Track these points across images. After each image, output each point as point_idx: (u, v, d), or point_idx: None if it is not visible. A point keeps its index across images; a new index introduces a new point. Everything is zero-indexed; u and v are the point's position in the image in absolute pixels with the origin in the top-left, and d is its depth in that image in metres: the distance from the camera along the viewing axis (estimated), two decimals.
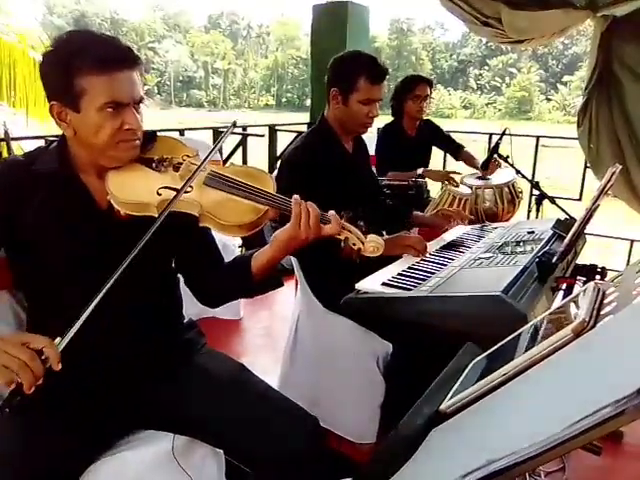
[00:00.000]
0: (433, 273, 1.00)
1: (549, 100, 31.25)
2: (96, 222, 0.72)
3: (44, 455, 0.63)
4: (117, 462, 0.71)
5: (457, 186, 2.00)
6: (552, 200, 1.62)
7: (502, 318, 0.79)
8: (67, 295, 0.72)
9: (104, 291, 0.58)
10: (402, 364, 1.08)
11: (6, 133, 2.03)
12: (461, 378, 0.53)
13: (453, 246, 1.24)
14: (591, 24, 1.96)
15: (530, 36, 2.05)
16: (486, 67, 35.18)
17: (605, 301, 0.48)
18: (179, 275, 0.86)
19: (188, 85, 38.93)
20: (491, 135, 2.56)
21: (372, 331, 1.12)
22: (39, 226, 0.69)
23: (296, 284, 1.40)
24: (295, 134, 2.68)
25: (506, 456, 0.31)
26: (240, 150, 2.81)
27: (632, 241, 2.43)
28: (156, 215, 0.67)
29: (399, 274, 1.02)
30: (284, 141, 2.68)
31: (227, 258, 0.85)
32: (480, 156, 2.07)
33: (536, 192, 1.69)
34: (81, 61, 0.63)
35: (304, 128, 2.89)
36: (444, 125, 2.30)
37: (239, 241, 2.38)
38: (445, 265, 1.06)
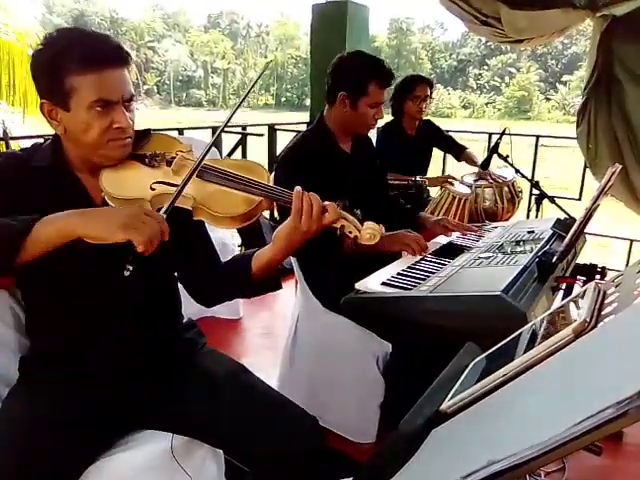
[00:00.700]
0: (433, 273, 1.00)
1: (548, 100, 31.28)
2: None
3: (46, 454, 0.63)
4: (117, 462, 0.71)
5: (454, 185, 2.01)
6: (552, 200, 1.62)
7: (502, 318, 0.79)
8: (66, 291, 0.71)
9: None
10: (402, 364, 1.08)
11: (5, 132, 2.03)
12: (461, 378, 0.53)
13: (453, 246, 1.24)
14: (590, 24, 1.96)
15: (529, 36, 2.05)
16: (485, 67, 35.20)
17: (606, 301, 0.48)
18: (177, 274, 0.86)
19: (187, 84, 38.90)
20: (491, 135, 2.56)
21: (372, 331, 1.12)
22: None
23: (296, 284, 1.40)
24: (294, 133, 2.67)
25: (507, 457, 0.31)
26: (240, 149, 2.80)
27: (632, 241, 2.43)
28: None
29: (399, 274, 1.02)
30: (283, 141, 2.67)
31: (227, 258, 0.84)
32: (480, 156, 2.07)
33: (536, 192, 1.69)
34: (69, 60, 0.63)
35: (304, 127, 2.88)
36: (443, 125, 2.29)
37: (239, 240, 2.38)
38: (445, 265, 1.05)
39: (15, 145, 2.11)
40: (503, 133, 1.73)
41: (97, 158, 0.69)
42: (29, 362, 0.77)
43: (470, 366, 0.56)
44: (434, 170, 2.26)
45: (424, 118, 2.10)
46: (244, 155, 2.82)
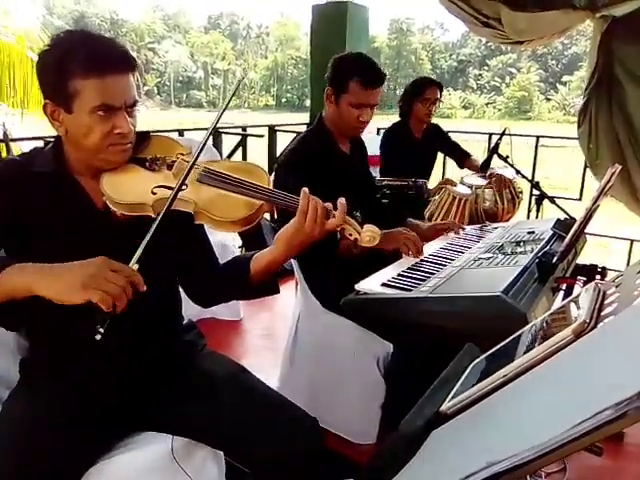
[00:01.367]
0: (433, 273, 1.00)
1: (549, 100, 31.27)
2: (93, 222, 0.72)
3: (47, 456, 0.63)
4: (117, 464, 0.71)
5: (455, 185, 2.01)
6: (552, 200, 1.62)
7: (502, 318, 0.79)
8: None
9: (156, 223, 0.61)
10: (402, 364, 1.08)
11: (5, 134, 2.03)
12: (461, 379, 0.53)
13: (453, 247, 1.24)
14: (590, 24, 1.96)
15: (530, 37, 2.05)
16: (486, 67, 35.20)
17: (606, 302, 0.48)
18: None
19: (188, 85, 38.95)
20: (491, 135, 2.56)
21: (372, 331, 1.12)
22: (36, 228, 0.69)
23: (296, 285, 1.40)
24: (295, 134, 2.67)
25: (507, 458, 0.31)
26: (240, 150, 2.81)
27: (632, 241, 2.43)
28: (152, 215, 0.67)
29: (399, 275, 1.02)
30: (284, 141, 2.67)
31: (227, 259, 0.84)
32: (480, 156, 2.07)
33: (536, 192, 1.69)
34: (76, 63, 0.63)
35: (304, 128, 2.88)
36: (444, 125, 2.29)
37: (239, 242, 2.38)
38: (445, 265, 1.05)
39: (16, 150, 2.11)
40: (503, 133, 1.73)
41: (97, 162, 0.69)
42: (29, 364, 0.77)
43: (470, 367, 0.56)
44: (434, 173, 2.26)
45: (432, 122, 2.08)
46: (244, 156, 2.82)
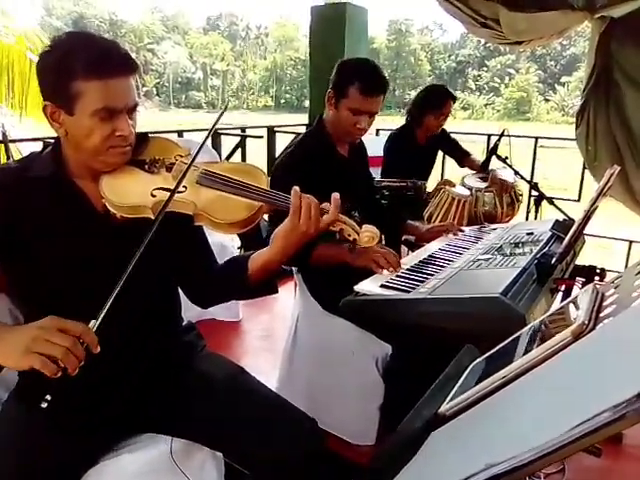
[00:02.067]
0: (432, 275, 1.00)
1: (547, 101, 31.34)
2: (93, 225, 0.72)
3: (46, 457, 0.63)
4: (116, 465, 0.71)
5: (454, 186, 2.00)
6: (551, 201, 1.63)
7: (501, 320, 0.79)
8: (66, 299, 0.71)
9: (125, 276, 0.58)
10: (401, 366, 1.08)
11: (4, 135, 2.03)
12: (460, 381, 0.53)
13: (451, 248, 1.24)
14: (589, 25, 1.97)
15: (528, 37, 2.05)
16: (484, 68, 35.27)
17: (604, 303, 0.48)
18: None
19: (187, 86, 38.95)
20: (490, 136, 2.56)
21: (371, 333, 1.12)
22: (36, 232, 0.69)
23: (295, 286, 1.40)
24: (294, 135, 2.68)
25: (505, 460, 0.31)
26: (239, 151, 2.81)
27: (631, 242, 2.43)
28: (152, 217, 0.67)
29: (397, 276, 1.02)
30: (283, 142, 2.67)
31: (225, 259, 0.84)
32: (479, 157, 2.07)
33: (535, 193, 1.69)
34: (78, 65, 0.63)
35: (303, 129, 2.89)
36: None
37: (238, 242, 2.38)
38: (444, 267, 1.05)
39: (15, 151, 2.11)
40: (502, 134, 1.73)
41: (96, 164, 0.69)
42: None
43: (469, 368, 0.56)
44: (433, 173, 2.27)
45: None
46: (243, 157, 2.82)
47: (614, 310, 0.46)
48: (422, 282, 0.96)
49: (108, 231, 0.72)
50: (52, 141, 0.75)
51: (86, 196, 0.72)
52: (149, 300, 0.77)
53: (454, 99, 1.95)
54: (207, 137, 0.75)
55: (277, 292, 0.81)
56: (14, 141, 2.20)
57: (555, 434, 0.29)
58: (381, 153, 2.01)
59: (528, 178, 1.81)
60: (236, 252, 2.18)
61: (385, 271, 1.05)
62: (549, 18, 1.91)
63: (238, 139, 2.81)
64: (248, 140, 2.82)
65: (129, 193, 0.68)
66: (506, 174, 1.95)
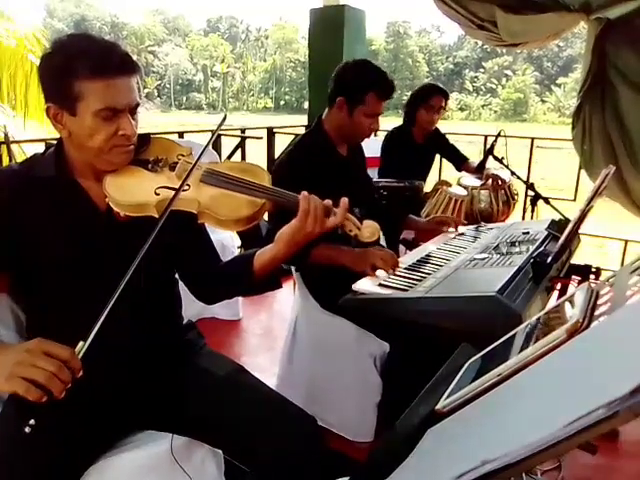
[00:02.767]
0: (429, 274, 1.01)
1: (544, 102, 31.48)
2: (96, 225, 0.73)
3: (45, 456, 0.64)
4: (117, 463, 0.71)
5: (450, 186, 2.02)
6: (547, 201, 1.63)
7: (497, 318, 0.79)
8: (70, 299, 0.72)
9: (118, 292, 0.57)
10: (399, 364, 1.08)
11: (6, 136, 2.03)
12: (457, 378, 0.53)
13: (448, 247, 1.24)
14: (585, 27, 1.98)
15: (525, 39, 2.07)
16: (482, 69, 35.41)
17: (599, 302, 0.49)
18: (177, 275, 0.86)
19: (187, 88, 38.97)
20: (486, 137, 2.57)
21: (369, 331, 1.13)
22: (39, 232, 0.69)
23: (294, 285, 1.40)
24: (293, 136, 2.68)
25: (501, 457, 0.31)
26: (239, 152, 2.81)
27: (626, 241, 2.45)
28: (156, 215, 0.67)
29: (395, 275, 1.02)
30: (282, 143, 2.68)
31: (226, 259, 0.85)
32: (476, 158, 2.08)
33: (531, 193, 1.70)
34: (80, 66, 0.64)
35: (302, 130, 2.89)
36: (440, 127, 2.31)
37: (238, 241, 2.38)
38: (441, 266, 1.06)
39: (19, 155, 2.11)
40: (499, 135, 1.74)
41: (100, 163, 0.70)
42: None
43: (465, 366, 0.56)
44: (430, 173, 2.28)
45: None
46: (243, 158, 2.82)
47: (609, 308, 0.46)
48: (419, 281, 0.96)
49: (111, 231, 0.72)
50: (54, 142, 0.75)
51: (89, 196, 0.73)
52: (150, 299, 0.78)
53: (445, 94, 1.96)
54: (212, 138, 0.76)
55: (281, 286, 0.83)
56: (17, 142, 2.20)
57: (550, 431, 0.29)
58: (378, 154, 2.02)
59: (524, 178, 1.82)
60: (236, 251, 2.19)
61: (382, 272, 1.05)
62: (545, 20, 1.92)
63: (238, 140, 2.81)
64: (248, 141, 2.82)
65: (133, 191, 0.69)
66: (503, 175, 1.97)
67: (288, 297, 2.10)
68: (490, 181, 1.92)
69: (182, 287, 0.87)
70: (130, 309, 0.74)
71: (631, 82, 1.86)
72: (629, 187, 1.97)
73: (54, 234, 0.69)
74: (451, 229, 1.38)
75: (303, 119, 3.46)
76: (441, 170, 2.73)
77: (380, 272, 1.03)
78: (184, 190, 0.68)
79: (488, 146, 1.76)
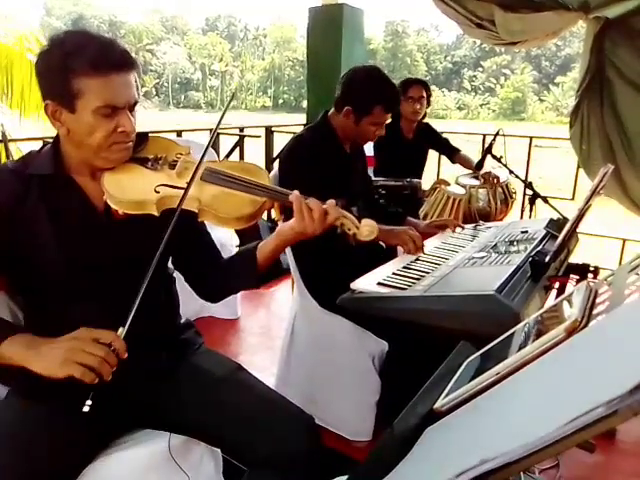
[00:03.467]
0: (427, 273, 1.01)
1: (542, 101, 31.54)
2: (94, 224, 0.72)
3: (44, 453, 0.63)
4: (114, 462, 0.71)
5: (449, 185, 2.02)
6: (545, 200, 1.64)
7: (496, 317, 0.80)
8: (67, 297, 0.71)
9: (145, 283, 0.61)
10: (397, 362, 1.09)
11: (3, 134, 2.01)
12: (455, 377, 0.53)
13: (447, 246, 1.24)
14: (584, 26, 1.98)
15: (523, 38, 2.07)
16: (480, 68, 35.44)
17: (597, 300, 0.49)
18: (175, 275, 0.86)
19: (186, 87, 38.87)
20: (485, 136, 2.57)
21: (368, 330, 1.13)
22: (35, 230, 0.69)
23: (292, 284, 1.40)
24: (292, 135, 2.67)
25: (499, 456, 0.31)
26: (237, 151, 2.81)
27: (624, 240, 2.46)
28: (155, 213, 0.68)
29: (394, 274, 1.02)
30: (281, 142, 2.67)
31: (232, 253, 0.85)
32: (474, 157, 2.09)
33: (529, 192, 1.70)
34: (78, 62, 0.63)
35: (301, 129, 2.89)
36: (438, 126, 2.31)
37: (237, 241, 2.38)
38: (439, 265, 1.06)
39: (16, 153, 2.10)
40: (497, 134, 1.75)
41: (98, 161, 0.69)
42: None
43: (464, 365, 0.56)
44: (428, 172, 2.28)
45: (424, 121, 2.10)
46: (242, 157, 2.82)
47: (607, 307, 0.46)
48: (418, 280, 0.96)
49: (108, 230, 0.72)
50: (49, 141, 0.75)
51: (86, 194, 0.72)
52: (149, 298, 0.77)
53: (422, 84, 2.01)
54: (213, 135, 0.76)
55: (283, 273, 0.83)
56: (14, 140, 2.19)
57: (549, 429, 0.29)
58: (371, 152, 2.03)
59: (523, 177, 1.83)
60: (235, 250, 2.18)
61: (381, 268, 1.06)
62: (544, 18, 1.92)
63: (236, 139, 2.81)
64: (246, 140, 2.82)
65: (133, 189, 0.68)
66: (501, 174, 1.97)
67: (286, 296, 2.10)
68: (482, 180, 1.93)
69: (180, 286, 0.87)
70: (130, 308, 0.74)
71: (629, 81, 1.86)
72: (627, 186, 1.97)
73: (51, 232, 0.69)
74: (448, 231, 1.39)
75: (301, 118, 3.45)
76: (439, 168, 2.73)
77: (380, 271, 1.04)
78: (183, 188, 0.67)
79: (487, 145, 1.76)
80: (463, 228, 1.40)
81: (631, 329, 0.36)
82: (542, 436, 0.30)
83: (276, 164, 1.32)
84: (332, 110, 1.26)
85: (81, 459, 0.69)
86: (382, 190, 1.87)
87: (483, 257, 1.06)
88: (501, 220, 1.95)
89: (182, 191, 0.67)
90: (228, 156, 2.78)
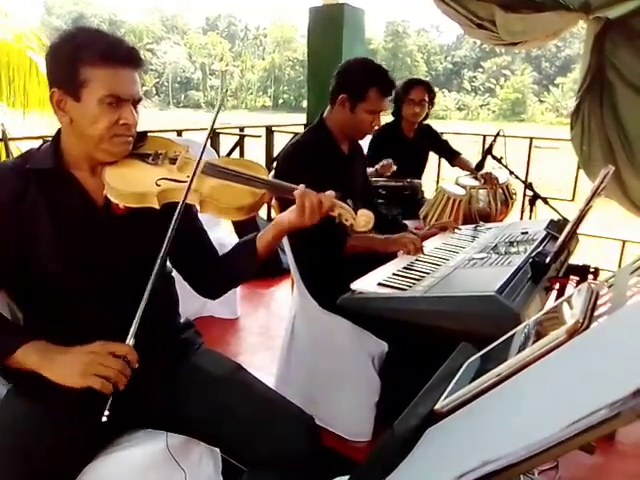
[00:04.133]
0: (428, 273, 1.01)
1: (542, 102, 31.56)
2: (93, 220, 0.72)
3: (44, 453, 0.63)
4: (113, 461, 0.71)
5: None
6: (545, 201, 1.64)
7: (496, 318, 0.79)
8: (67, 294, 0.71)
9: (150, 283, 0.63)
10: (397, 363, 1.08)
11: (4, 133, 2.01)
12: (456, 378, 0.53)
13: (447, 247, 1.24)
14: (584, 26, 1.98)
15: (523, 38, 2.07)
16: (480, 69, 35.46)
17: (599, 302, 0.49)
18: (174, 274, 0.86)
19: (186, 86, 38.86)
20: (485, 136, 2.57)
21: (368, 330, 1.13)
22: (34, 226, 0.69)
23: (292, 284, 1.40)
24: (292, 135, 2.67)
25: (501, 457, 0.31)
26: (237, 151, 2.81)
27: (624, 241, 2.46)
28: (156, 206, 0.69)
29: (394, 274, 1.02)
30: (281, 142, 2.68)
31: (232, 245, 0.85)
32: (475, 158, 2.09)
33: (529, 193, 1.70)
34: (88, 52, 0.65)
35: (301, 129, 2.89)
36: (438, 126, 2.31)
37: (236, 239, 2.38)
38: (440, 265, 1.06)
39: (16, 152, 2.10)
40: (497, 135, 1.74)
41: (98, 153, 0.70)
42: None
43: (464, 366, 0.56)
44: (428, 172, 2.28)
45: (425, 122, 2.10)
46: (242, 156, 2.82)
47: (609, 309, 0.46)
48: (418, 280, 0.96)
49: (107, 227, 0.72)
50: (42, 143, 0.75)
51: (85, 189, 0.72)
52: (149, 297, 0.77)
53: (425, 86, 2.00)
54: (210, 131, 0.76)
55: (281, 262, 0.84)
56: (14, 139, 2.18)
57: (551, 431, 0.29)
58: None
59: (523, 178, 1.83)
60: None
61: (382, 269, 1.06)
62: (544, 19, 1.92)
63: (236, 138, 2.81)
64: (246, 139, 2.82)
65: (134, 182, 0.69)
66: (501, 174, 1.97)
67: (286, 296, 2.10)
68: (483, 181, 1.93)
69: (179, 286, 0.87)
70: (129, 307, 0.74)
71: (630, 82, 1.87)
72: (627, 187, 1.97)
73: (50, 230, 0.69)
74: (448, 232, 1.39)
75: (302, 118, 3.45)
76: (440, 168, 2.73)
77: (380, 272, 1.04)
78: (184, 181, 0.69)
79: (487, 146, 1.76)
80: (460, 230, 1.40)
81: (633, 331, 0.36)
82: (545, 438, 0.29)
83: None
84: (327, 110, 1.25)
85: (81, 458, 0.69)
86: (382, 190, 1.87)
87: (483, 258, 1.06)
88: (501, 221, 1.95)
89: (183, 184, 0.68)
90: (228, 156, 2.78)
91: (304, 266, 1.25)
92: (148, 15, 41.17)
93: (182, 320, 0.88)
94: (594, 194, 1.06)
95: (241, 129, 2.92)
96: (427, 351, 0.77)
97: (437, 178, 2.82)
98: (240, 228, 2.14)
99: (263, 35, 42.85)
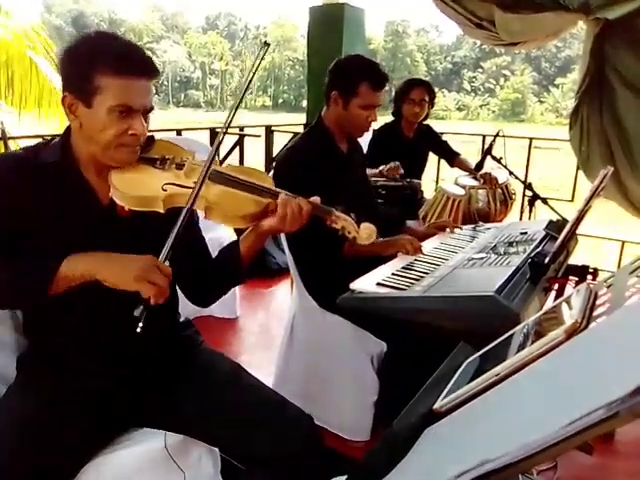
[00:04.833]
0: (427, 273, 1.01)
1: (542, 102, 31.59)
2: (97, 218, 0.72)
3: (41, 453, 0.63)
4: (113, 460, 0.71)
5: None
6: (545, 201, 1.64)
7: (495, 318, 0.80)
8: (68, 293, 0.71)
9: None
10: (396, 363, 1.08)
11: (3, 132, 2.00)
12: (455, 377, 0.53)
13: (446, 247, 1.24)
14: (584, 27, 1.98)
15: (523, 38, 2.07)
16: (480, 69, 35.47)
17: (597, 302, 0.49)
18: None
19: (186, 85, 38.82)
20: (485, 137, 2.58)
21: (367, 330, 1.13)
22: (39, 219, 0.69)
23: (292, 284, 1.40)
24: (292, 135, 2.67)
25: (500, 457, 0.31)
26: (237, 150, 2.80)
27: (623, 242, 2.46)
28: (161, 211, 0.69)
29: (393, 274, 1.02)
30: (281, 142, 2.67)
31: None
32: (474, 158, 2.09)
33: (529, 193, 1.71)
34: (103, 61, 0.65)
35: (300, 129, 2.89)
36: (438, 127, 2.31)
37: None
38: (439, 265, 1.06)
39: (15, 146, 2.10)
40: (497, 135, 1.75)
41: (105, 159, 0.70)
42: (27, 361, 0.77)
43: (463, 365, 0.56)
44: (427, 173, 2.28)
45: (425, 123, 2.10)
46: (242, 156, 2.82)
47: (607, 309, 0.46)
48: (417, 280, 0.96)
49: (111, 226, 0.72)
50: (50, 138, 0.75)
51: (92, 188, 0.73)
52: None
53: (426, 86, 1.99)
54: (222, 136, 0.76)
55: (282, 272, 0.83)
56: (13, 138, 2.18)
57: (549, 431, 0.29)
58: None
59: (522, 178, 1.83)
60: None
61: (381, 269, 1.06)
62: (544, 19, 1.92)
63: (236, 138, 2.80)
64: (246, 139, 2.82)
65: (140, 186, 0.70)
66: (501, 175, 1.97)
67: (286, 295, 2.10)
68: (482, 181, 1.93)
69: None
70: (129, 307, 0.74)
71: (629, 83, 1.87)
72: (626, 188, 1.97)
73: (53, 222, 0.69)
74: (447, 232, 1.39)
75: (301, 117, 3.45)
76: (439, 168, 2.73)
77: (379, 271, 1.04)
78: (190, 187, 0.69)
79: (486, 146, 1.76)
80: (461, 229, 1.40)
81: (632, 331, 0.36)
82: (544, 437, 0.30)
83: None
84: (324, 109, 1.25)
85: (80, 457, 0.69)
86: (382, 190, 1.87)
87: (482, 258, 1.06)
88: (500, 221, 1.95)
89: (190, 190, 0.68)
90: (228, 155, 2.78)
91: (303, 266, 1.25)
92: (148, 14, 41.11)
93: (182, 319, 0.88)
94: (593, 195, 1.06)
95: (241, 129, 2.91)
96: (426, 351, 0.77)
97: (436, 178, 2.82)
98: (240, 229, 2.14)
99: (263, 34, 42.74)
